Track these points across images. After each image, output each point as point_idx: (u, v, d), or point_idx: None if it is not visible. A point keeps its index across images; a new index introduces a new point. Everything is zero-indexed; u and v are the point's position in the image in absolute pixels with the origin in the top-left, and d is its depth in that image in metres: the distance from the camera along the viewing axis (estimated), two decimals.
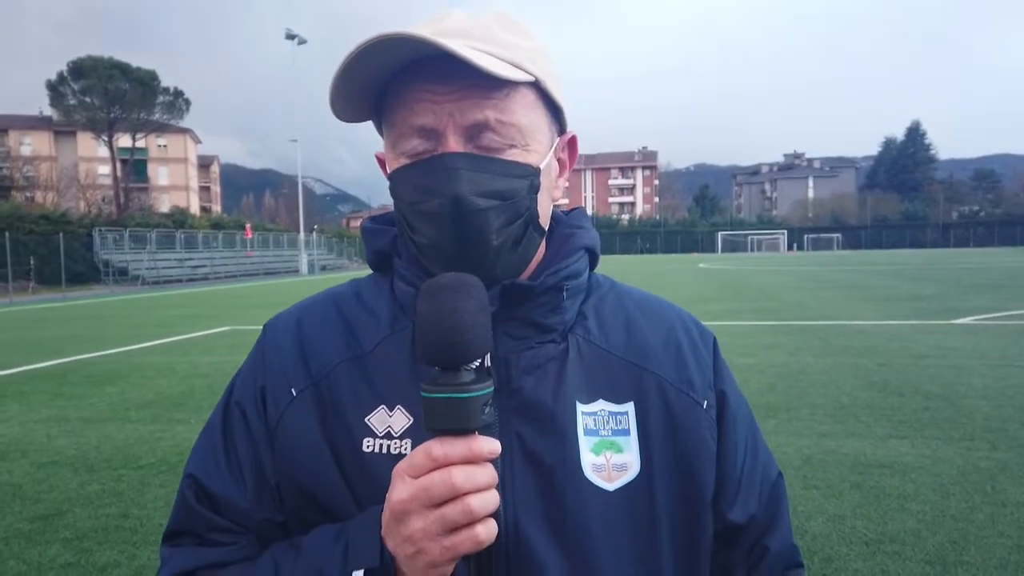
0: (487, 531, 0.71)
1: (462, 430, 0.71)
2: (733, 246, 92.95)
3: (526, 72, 0.81)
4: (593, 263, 0.95)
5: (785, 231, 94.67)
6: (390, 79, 0.82)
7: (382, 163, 0.92)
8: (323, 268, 58.87)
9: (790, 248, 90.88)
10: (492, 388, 0.73)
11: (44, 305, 25.74)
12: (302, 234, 57.12)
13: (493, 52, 0.80)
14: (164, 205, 74.34)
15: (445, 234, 0.80)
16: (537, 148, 0.84)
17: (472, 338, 0.71)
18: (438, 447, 0.70)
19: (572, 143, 0.94)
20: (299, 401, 0.87)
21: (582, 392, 0.87)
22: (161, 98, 63.38)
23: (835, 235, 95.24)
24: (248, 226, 58.46)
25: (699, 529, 0.89)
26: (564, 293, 0.88)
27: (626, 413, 0.87)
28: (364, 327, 0.91)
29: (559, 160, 0.92)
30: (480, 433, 0.72)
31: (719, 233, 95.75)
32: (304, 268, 53.57)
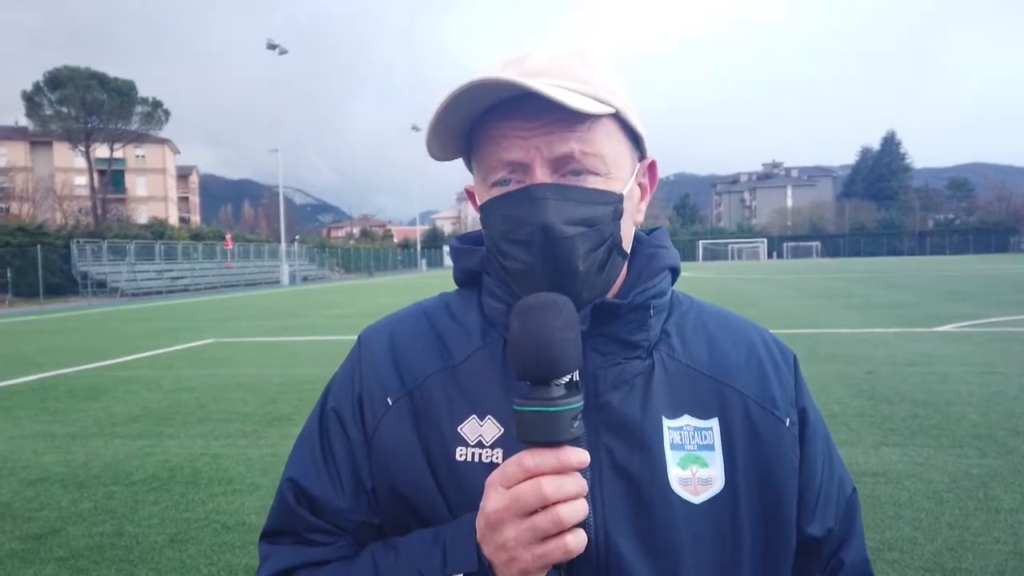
0: (576, 541, 0.74)
1: (552, 442, 0.74)
2: (714, 255, 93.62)
3: (607, 105, 0.85)
4: (674, 281, 0.98)
5: (765, 239, 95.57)
6: (478, 119, 0.87)
7: (471, 196, 0.96)
8: (304, 279, 58.47)
9: (770, 256, 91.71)
10: (581, 403, 0.76)
11: (22, 318, 25.33)
12: (283, 244, 56.71)
13: (575, 88, 0.83)
14: (142, 216, 73.69)
15: (536, 260, 0.84)
16: (619, 175, 0.88)
17: (560, 354, 0.74)
18: (529, 458, 0.73)
19: (652, 168, 0.97)
20: (395, 410, 0.91)
21: (668, 407, 0.89)
22: (139, 108, 62.86)
23: (814, 243, 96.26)
24: (228, 237, 57.94)
25: (781, 543, 0.91)
26: (651, 311, 0.90)
27: (711, 428, 0.90)
28: (455, 339, 0.94)
29: (640, 185, 0.96)
30: (570, 445, 0.75)
31: (700, 242, 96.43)
32: (285, 279, 53.16)
